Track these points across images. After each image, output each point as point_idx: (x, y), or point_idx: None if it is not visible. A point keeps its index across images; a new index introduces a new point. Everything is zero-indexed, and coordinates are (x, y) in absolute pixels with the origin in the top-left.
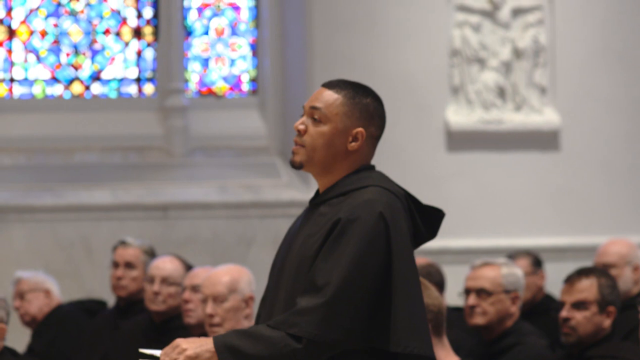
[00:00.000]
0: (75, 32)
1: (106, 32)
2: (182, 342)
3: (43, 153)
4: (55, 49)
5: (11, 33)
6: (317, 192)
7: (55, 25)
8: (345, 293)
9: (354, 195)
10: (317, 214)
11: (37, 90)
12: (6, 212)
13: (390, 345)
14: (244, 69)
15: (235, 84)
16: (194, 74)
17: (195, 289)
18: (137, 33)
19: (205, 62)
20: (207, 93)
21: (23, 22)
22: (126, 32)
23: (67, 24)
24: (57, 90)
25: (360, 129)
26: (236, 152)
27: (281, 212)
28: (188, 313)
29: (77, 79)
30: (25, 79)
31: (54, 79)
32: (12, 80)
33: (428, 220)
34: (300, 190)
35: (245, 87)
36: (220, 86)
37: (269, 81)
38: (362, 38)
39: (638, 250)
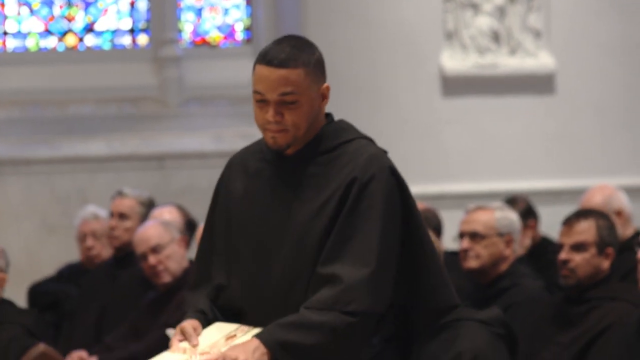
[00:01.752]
0: None
1: None
2: (230, 354)
3: (38, 105)
4: (48, 1)
5: None
6: (277, 151)
7: None
8: (386, 258)
9: (349, 151)
10: (305, 175)
11: (30, 43)
12: (2, 165)
13: (440, 302)
14: (238, 18)
15: (229, 33)
16: (187, 24)
17: (155, 250)
18: None
19: (198, 12)
20: (201, 43)
21: None
22: None
23: None
24: (51, 42)
25: (325, 85)
26: (231, 101)
27: None
28: (161, 275)
29: (70, 31)
30: (19, 32)
31: (48, 32)
32: (5, 33)
33: None
34: None
35: (239, 36)
36: (214, 36)
37: (263, 30)
38: None
39: (616, 193)
